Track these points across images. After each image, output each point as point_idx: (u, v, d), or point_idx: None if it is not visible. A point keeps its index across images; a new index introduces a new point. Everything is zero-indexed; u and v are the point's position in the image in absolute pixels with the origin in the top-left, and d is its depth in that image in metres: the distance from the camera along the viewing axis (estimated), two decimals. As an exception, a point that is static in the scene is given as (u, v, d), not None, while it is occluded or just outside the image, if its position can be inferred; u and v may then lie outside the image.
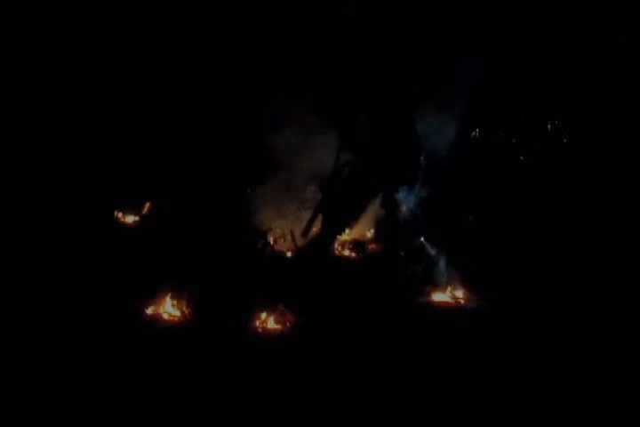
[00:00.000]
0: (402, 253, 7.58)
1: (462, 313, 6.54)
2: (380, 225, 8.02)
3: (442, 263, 7.09)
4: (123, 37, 7.98)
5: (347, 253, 7.92)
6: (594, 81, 8.25)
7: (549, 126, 9.00)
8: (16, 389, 4.62)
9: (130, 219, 8.18)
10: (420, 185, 7.94)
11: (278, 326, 5.98)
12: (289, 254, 7.62)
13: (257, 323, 5.97)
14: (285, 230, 7.71)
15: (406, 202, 7.94)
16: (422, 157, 7.94)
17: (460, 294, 6.85)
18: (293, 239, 7.64)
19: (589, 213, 7.97)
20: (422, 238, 7.67)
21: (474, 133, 8.98)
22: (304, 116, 7.49)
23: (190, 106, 8.18)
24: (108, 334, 5.44)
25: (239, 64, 8.09)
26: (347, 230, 8.04)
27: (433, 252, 7.34)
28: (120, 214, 8.16)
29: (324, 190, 7.80)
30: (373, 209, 8.02)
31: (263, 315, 6.01)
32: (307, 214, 7.77)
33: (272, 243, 7.65)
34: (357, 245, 7.98)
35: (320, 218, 7.80)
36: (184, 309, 6.07)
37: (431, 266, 7.15)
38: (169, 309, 6.06)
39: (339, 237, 7.96)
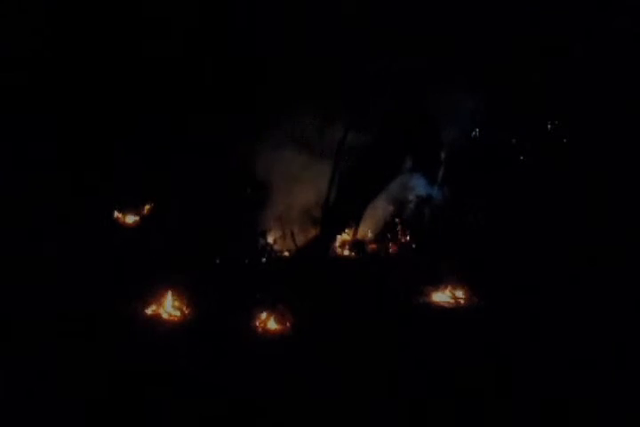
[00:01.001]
0: (405, 253, 7.59)
1: (462, 313, 6.53)
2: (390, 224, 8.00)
3: (442, 263, 7.08)
4: (128, 36, 7.97)
5: (347, 253, 7.91)
6: (594, 81, 8.24)
7: (549, 126, 8.98)
8: (15, 389, 4.63)
9: (130, 219, 8.18)
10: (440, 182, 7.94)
11: (278, 326, 5.98)
12: (289, 254, 7.61)
13: (257, 323, 5.97)
14: (285, 230, 7.71)
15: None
16: (443, 152, 7.93)
17: (459, 294, 6.84)
18: (293, 239, 7.63)
19: (590, 212, 7.95)
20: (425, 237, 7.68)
21: (474, 133, 8.96)
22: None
23: (190, 104, 8.17)
24: (108, 334, 5.44)
25: (238, 61, 8.09)
26: (347, 230, 8.04)
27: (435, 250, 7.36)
28: (120, 214, 8.16)
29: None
30: (374, 209, 8.02)
31: (263, 315, 6.01)
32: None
33: (272, 243, 7.64)
34: (357, 245, 7.97)
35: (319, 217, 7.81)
36: (184, 309, 6.07)
37: (432, 266, 7.14)
38: (169, 309, 6.06)
39: (339, 237, 7.96)
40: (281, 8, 7.77)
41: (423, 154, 7.97)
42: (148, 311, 6.02)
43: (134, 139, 8.20)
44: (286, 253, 7.62)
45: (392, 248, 7.87)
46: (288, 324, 5.99)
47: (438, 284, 6.89)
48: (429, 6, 7.61)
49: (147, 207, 8.29)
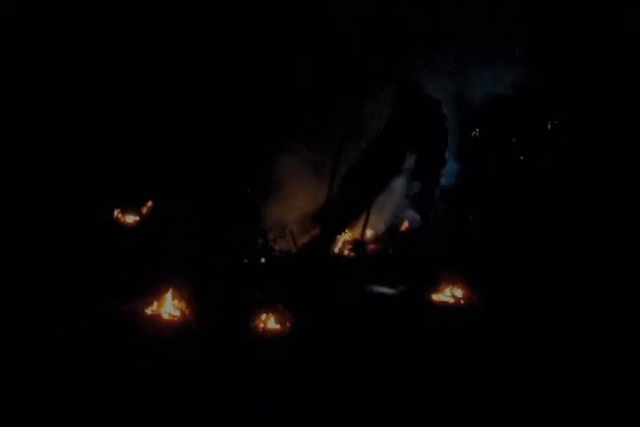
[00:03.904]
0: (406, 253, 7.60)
1: (462, 313, 6.54)
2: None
3: (443, 263, 7.08)
4: (129, 35, 7.97)
5: (347, 253, 7.92)
6: (594, 80, 8.24)
7: (549, 126, 8.99)
8: (16, 388, 4.63)
9: (130, 219, 8.18)
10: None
11: (278, 326, 5.98)
12: (289, 254, 7.61)
13: (257, 323, 5.97)
14: (285, 230, 7.71)
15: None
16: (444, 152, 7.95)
17: (459, 294, 6.84)
18: (293, 239, 7.63)
19: (590, 212, 7.96)
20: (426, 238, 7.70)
21: (474, 133, 8.97)
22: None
23: (191, 104, 8.17)
24: (109, 334, 5.44)
25: (239, 60, 8.10)
26: (347, 230, 8.04)
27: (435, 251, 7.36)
28: (120, 214, 8.16)
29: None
30: (375, 209, 8.03)
31: (263, 315, 6.01)
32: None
33: (272, 243, 7.65)
34: (357, 245, 7.98)
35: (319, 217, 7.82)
36: (184, 309, 6.07)
37: (432, 266, 7.14)
38: (169, 309, 6.06)
39: (339, 237, 7.96)
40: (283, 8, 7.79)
41: (424, 154, 7.97)
42: (148, 311, 6.02)
43: (135, 139, 8.20)
44: (286, 253, 7.62)
45: (391, 248, 7.89)
46: (288, 324, 5.99)
47: (438, 284, 6.90)
48: (432, 5, 7.62)
49: (147, 207, 8.30)
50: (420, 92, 7.75)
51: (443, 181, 8.09)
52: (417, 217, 8.01)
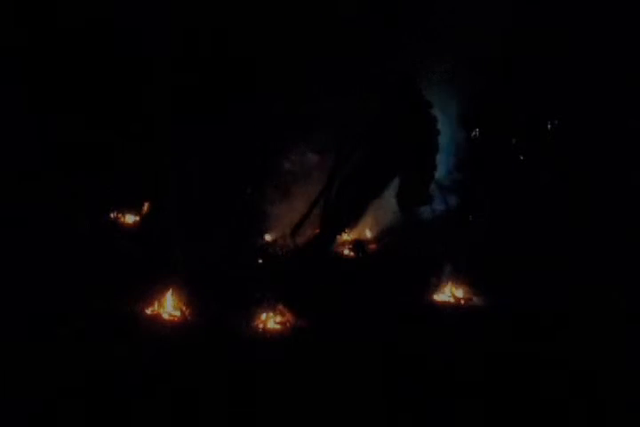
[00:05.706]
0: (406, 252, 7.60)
1: (462, 313, 6.53)
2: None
3: (443, 263, 7.08)
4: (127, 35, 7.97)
5: (347, 253, 7.91)
6: (594, 80, 8.25)
7: (549, 126, 9.01)
8: (15, 388, 4.63)
9: (130, 219, 8.18)
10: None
11: (278, 326, 5.98)
12: (288, 254, 7.61)
13: (257, 323, 5.96)
14: (285, 230, 7.71)
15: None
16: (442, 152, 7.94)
17: (459, 293, 6.84)
18: (293, 239, 7.63)
19: (589, 212, 7.97)
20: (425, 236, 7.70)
21: (474, 133, 8.98)
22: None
23: (191, 104, 8.17)
24: (108, 334, 5.44)
25: (239, 60, 8.10)
26: (347, 230, 8.04)
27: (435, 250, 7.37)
28: (120, 214, 8.16)
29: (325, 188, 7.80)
30: (374, 209, 8.02)
31: (263, 315, 6.01)
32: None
33: (272, 243, 7.64)
34: (357, 245, 7.97)
35: (319, 217, 7.81)
36: (184, 309, 6.07)
37: (432, 265, 7.14)
38: (169, 309, 6.06)
39: (339, 237, 7.95)
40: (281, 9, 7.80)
41: (423, 154, 7.97)
42: (148, 311, 6.02)
43: (134, 139, 8.20)
44: (286, 253, 7.62)
45: (391, 248, 7.88)
46: (288, 324, 5.99)
47: (438, 284, 6.89)
48: (431, 5, 7.62)
49: (146, 207, 8.29)
50: (418, 94, 7.76)
51: (441, 180, 8.10)
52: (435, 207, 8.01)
